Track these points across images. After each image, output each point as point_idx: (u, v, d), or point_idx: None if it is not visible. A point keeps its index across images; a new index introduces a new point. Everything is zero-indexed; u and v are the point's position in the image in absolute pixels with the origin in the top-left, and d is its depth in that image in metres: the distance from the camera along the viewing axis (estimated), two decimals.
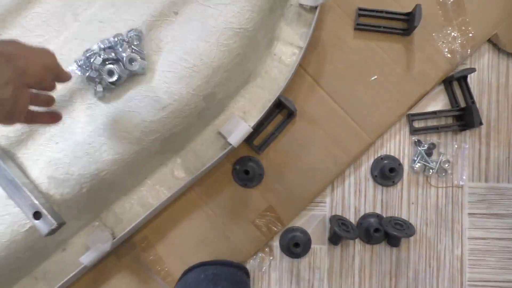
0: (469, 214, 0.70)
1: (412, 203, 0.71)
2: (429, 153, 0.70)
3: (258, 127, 0.70)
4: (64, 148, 0.59)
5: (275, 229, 0.71)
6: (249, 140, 0.70)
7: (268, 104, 0.67)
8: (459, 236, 0.70)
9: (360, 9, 0.71)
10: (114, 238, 0.66)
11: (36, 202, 0.56)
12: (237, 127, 0.66)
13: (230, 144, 0.66)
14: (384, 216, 0.71)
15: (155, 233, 0.71)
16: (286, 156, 0.70)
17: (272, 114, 0.71)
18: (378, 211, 0.71)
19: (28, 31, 0.60)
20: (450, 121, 0.71)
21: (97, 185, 0.62)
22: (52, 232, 0.56)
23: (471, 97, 0.70)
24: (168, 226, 0.71)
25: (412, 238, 0.70)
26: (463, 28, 0.71)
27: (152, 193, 0.69)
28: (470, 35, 0.71)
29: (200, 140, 0.69)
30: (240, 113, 0.69)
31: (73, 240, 0.69)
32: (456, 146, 0.70)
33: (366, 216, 0.71)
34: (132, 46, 0.59)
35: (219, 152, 0.68)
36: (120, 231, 0.68)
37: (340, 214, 0.72)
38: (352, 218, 0.71)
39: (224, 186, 0.71)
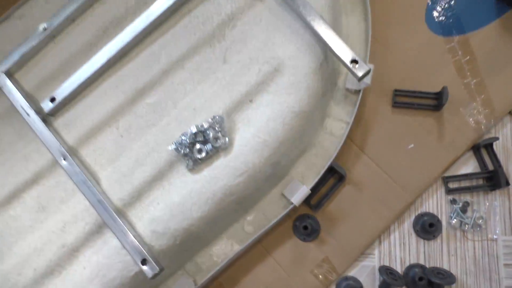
0: (505, 264, 0.79)
1: (452, 255, 0.80)
2: (464, 210, 0.81)
3: (315, 189, 0.83)
4: (164, 208, 0.75)
5: (331, 278, 0.82)
6: (307, 200, 0.83)
7: (322, 170, 0.81)
8: (497, 285, 0.78)
9: (396, 90, 0.86)
10: (196, 285, 0.80)
11: (144, 251, 0.71)
12: (298, 189, 0.80)
13: (292, 204, 0.79)
14: (427, 266, 0.81)
15: (229, 280, 0.84)
16: (339, 214, 0.83)
17: (326, 178, 0.85)
18: (421, 262, 0.81)
19: (139, 117, 0.79)
20: (480, 182, 0.82)
21: (187, 238, 0.77)
22: (155, 276, 0.71)
23: (498, 161, 0.81)
24: (240, 274, 0.84)
25: (454, 286, 0.79)
26: (486, 103, 0.84)
27: (227, 245, 0.83)
28: (493, 109, 0.84)
29: (266, 200, 0.84)
30: (299, 177, 0.83)
31: (161, 286, 0.83)
32: (487, 204, 0.81)
33: (411, 267, 0.81)
34: (217, 128, 0.76)
35: (282, 211, 0.81)
36: (200, 278, 0.81)
37: (387, 264, 0.82)
38: (399, 268, 0.82)
39: (286, 240, 0.84)
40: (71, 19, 0.82)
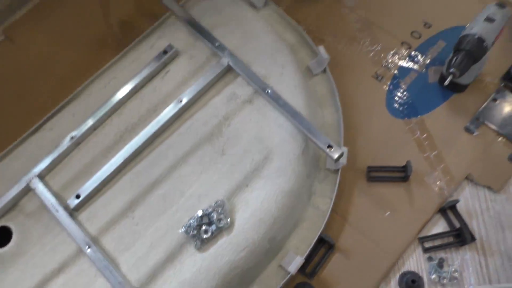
0: None
1: None
2: (440, 265, 0.91)
3: (308, 258, 0.93)
4: (177, 286, 0.85)
5: None
6: (302, 269, 0.93)
7: (313, 241, 0.93)
8: None
9: (369, 167, 1.01)
10: None
11: None
12: (293, 259, 0.90)
13: (289, 273, 0.90)
14: None
15: None
16: (332, 279, 0.93)
17: (317, 248, 0.96)
18: None
19: (152, 207, 0.92)
20: (451, 239, 0.94)
21: None
22: None
23: (462, 220, 0.94)
24: None
25: None
26: (445, 171, 0.99)
27: None
28: (452, 176, 0.99)
29: (266, 272, 0.93)
30: (294, 249, 0.94)
31: None
32: (460, 258, 0.92)
33: None
34: (219, 210, 0.89)
35: (281, 281, 0.91)
36: None
37: None
38: None
39: None
40: (93, 128, 0.98)
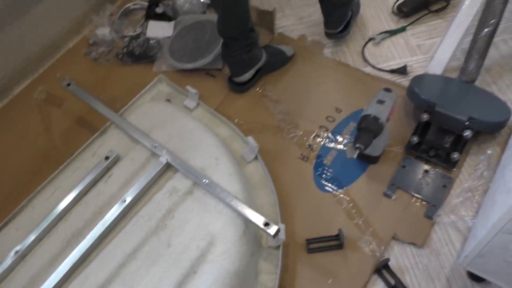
0: None
1: None
2: None
3: None
4: None
5: None
6: None
7: None
8: None
9: (307, 240, 1.10)
10: None
11: None
12: None
13: None
14: None
15: None
16: None
17: None
18: None
19: None
20: None
21: None
22: None
23: (396, 277, 1.03)
24: None
25: None
26: (374, 234, 1.10)
27: None
28: (380, 238, 1.10)
29: None
30: None
31: None
32: None
33: None
34: None
35: None
36: None
37: None
38: None
39: None
40: (38, 240, 1.00)
